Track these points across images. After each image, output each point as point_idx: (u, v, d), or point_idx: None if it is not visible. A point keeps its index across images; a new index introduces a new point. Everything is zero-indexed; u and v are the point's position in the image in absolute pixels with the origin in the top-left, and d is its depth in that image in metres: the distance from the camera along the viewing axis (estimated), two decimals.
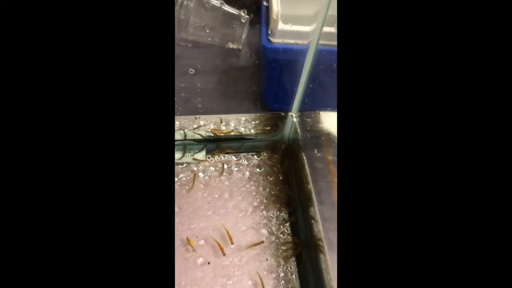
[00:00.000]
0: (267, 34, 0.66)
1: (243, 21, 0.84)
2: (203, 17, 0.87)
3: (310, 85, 0.62)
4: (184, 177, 0.67)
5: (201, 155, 0.69)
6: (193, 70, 0.81)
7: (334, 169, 0.57)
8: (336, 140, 0.55)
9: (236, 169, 0.69)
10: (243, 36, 0.87)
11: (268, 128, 0.74)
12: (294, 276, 0.57)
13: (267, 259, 0.58)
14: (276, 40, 0.65)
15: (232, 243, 0.58)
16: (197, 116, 0.73)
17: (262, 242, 0.59)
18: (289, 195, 0.66)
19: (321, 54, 0.56)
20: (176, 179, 0.66)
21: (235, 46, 1.03)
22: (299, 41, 0.64)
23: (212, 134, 0.72)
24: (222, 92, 0.87)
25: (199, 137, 0.71)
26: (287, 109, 0.68)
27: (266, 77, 0.74)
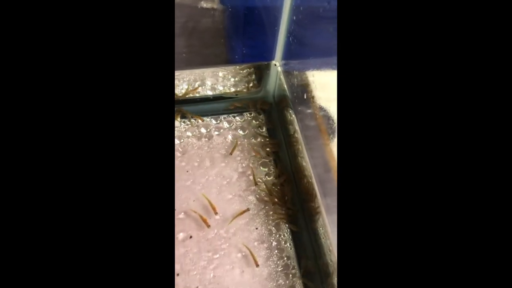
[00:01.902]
0: None
1: None
2: None
3: (292, 28, 0.53)
4: None
5: (176, 119, 0.61)
6: None
7: (322, 123, 0.49)
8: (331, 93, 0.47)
9: (217, 133, 0.61)
10: None
11: (251, 85, 0.66)
12: (288, 245, 0.50)
13: (257, 228, 0.51)
14: None
15: (216, 213, 0.52)
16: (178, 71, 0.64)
17: (248, 209, 0.52)
18: (278, 156, 0.58)
19: None
20: None
21: (209, 5, 0.92)
22: None
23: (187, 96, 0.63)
24: (195, 55, 0.78)
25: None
26: (269, 58, 0.59)
27: (232, 29, 0.65)
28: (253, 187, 0.55)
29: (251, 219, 0.52)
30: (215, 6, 0.91)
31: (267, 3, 0.53)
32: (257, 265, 0.48)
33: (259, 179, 0.56)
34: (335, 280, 0.45)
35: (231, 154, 0.58)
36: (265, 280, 0.47)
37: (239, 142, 0.59)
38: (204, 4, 0.92)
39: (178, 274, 0.46)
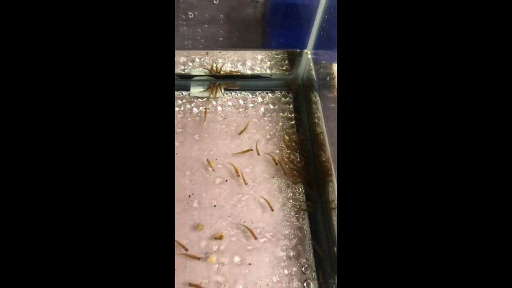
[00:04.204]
0: None
1: None
2: None
3: (324, 24, 0.64)
4: (203, 110, 0.72)
5: (219, 91, 0.75)
6: (208, 15, 0.84)
7: None
8: None
9: (252, 105, 0.74)
10: None
11: (283, 68, 0.78)
12: (301, 196, 0.64)
13: (277, 181, 0.65)
14: None
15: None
16: (223, 51, 0.77)
17: (251, 149, 0.67)
18: (301, 132, 0.71)
19: None
20: (197, 111, 0.72)
21: None
22: None
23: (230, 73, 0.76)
24: (238, 40, 0.91)
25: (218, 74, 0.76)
26: (302, 47, 0.71)
27: (272, 19, 0.77)
28: (277, 151, 0.68)
29: (275, 173, 0.65)
30: None
31: (305, 2, 0.65)
32: (272, 210, 0.61)
33: (282, 144, 0.69)
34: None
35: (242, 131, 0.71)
36: (280, 219, 0.61)
37: (269, 114, 0.72)
38: None
39: (215, 206, 0.61)
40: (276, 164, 0.66)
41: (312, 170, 0.66)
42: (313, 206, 0.62)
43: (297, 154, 0.68)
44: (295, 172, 0.65)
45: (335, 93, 0.64)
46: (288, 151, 0.68)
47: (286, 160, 0.67)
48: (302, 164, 0.66)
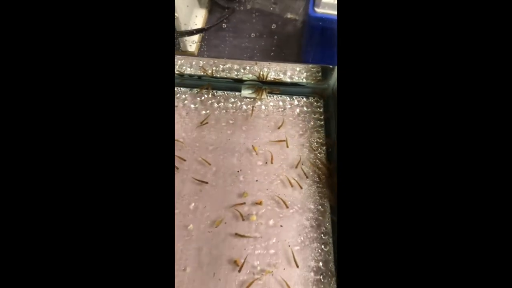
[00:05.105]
0: (313, 5, 0.87)
1: None
2: None
3: None
4: (250, 107, 0.91)
5: (264, 94, 0.93)
6: (257, 33, 1.04)
7: None
8: None
9: (289, 106, 0.92)
10: (301, 8, 1.07)
11: (317, 79, 0.95)
12: (320, 185, 0.80)
13: (306, 168, 0.81)
14: (319, 10, 0.85)
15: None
16: (269, 62, 0.96)
17: (285, 140, 0.83)
18: (329, 128, 0.88)
19: None
20: (245, 108, 0.91)
21: (292, 16, 1.24)
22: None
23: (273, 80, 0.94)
24: (279, 53, 1.10)
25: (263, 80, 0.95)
26: (333, 63, 0.88)
27: (309, 38, 0.95)
28: (307, 144, 0.85)
29: (303, 161, 0.82)
30: (297, 18, 1.22)
31: (334, 26, 0.82)
32: (301, 188, 0.77)
33: (311, 139, 0.85)
34: None
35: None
36: (307, 196, 0.77)
37: (302, 115, 0.90)
38: (289, 15, 1.23)
39: (256, 180, 0.78)
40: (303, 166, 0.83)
41: (334, 161, 0.82)
42: (331, 192, 0.78)
43: (322, 149, 0.85)
44: (318, 161, 0.82)
45: None
46: (315, 150, 0.85)
47: (313, 152, 0.83)
48: (324, 156, 0.83)
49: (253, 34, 1.02)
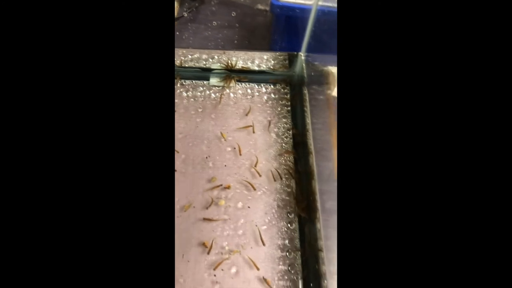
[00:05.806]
0: None
1: None
2: None
3: (314, 30, 0.84)
4: (219, 95, 0.93)
5: (232, 82, 0.95)
6: (226, 23, 1.06)
7: (332, 104, 0.81)
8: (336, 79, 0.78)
9: (257, 93, 0.94)
10: None
11: (284, 66, 0.98)
12: (290, 164, 0.83)
13: (273, 151, 0.84)
14: None
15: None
16: (234, 51, 0.98)
17: (251, 126, 0.86)
18: (295, 113, 0.91)
19: (321, 12, 0.78)
20: (214, 96, 0.93)
21: (262, 7, 1.27)
22: (301, 1, 0.86)
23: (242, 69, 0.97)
24: (248, 42, 1.12)
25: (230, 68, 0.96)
26: (298, 50, 0.91)
27: (276, 27, 0.98)
28: (275, 129, 0.87)
29: (271, 146, 0.85)
30: (267, 9, 1.25)
31: (298, 14, 0.85)
32: (276, 180, 0.80)
33: (279, 124, 0.88)
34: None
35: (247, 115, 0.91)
36: (273, 178, 0.80)
37: (270, 102, 0.92)
38: (260, 6, 1.25)
39: (225, 165, 0.81)
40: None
41: (300, 145, 0.86)
42: (297, 174, 0.81)
43: (289, 133, 0.88)
44: (284, 145, 0.85)
45: (319, 88, 0.83)
46: (282, 135, 0.88)
47: (280, 137, 0.86)
48: (291, 141, 0.86)
49: (218, 23, 1.04)
